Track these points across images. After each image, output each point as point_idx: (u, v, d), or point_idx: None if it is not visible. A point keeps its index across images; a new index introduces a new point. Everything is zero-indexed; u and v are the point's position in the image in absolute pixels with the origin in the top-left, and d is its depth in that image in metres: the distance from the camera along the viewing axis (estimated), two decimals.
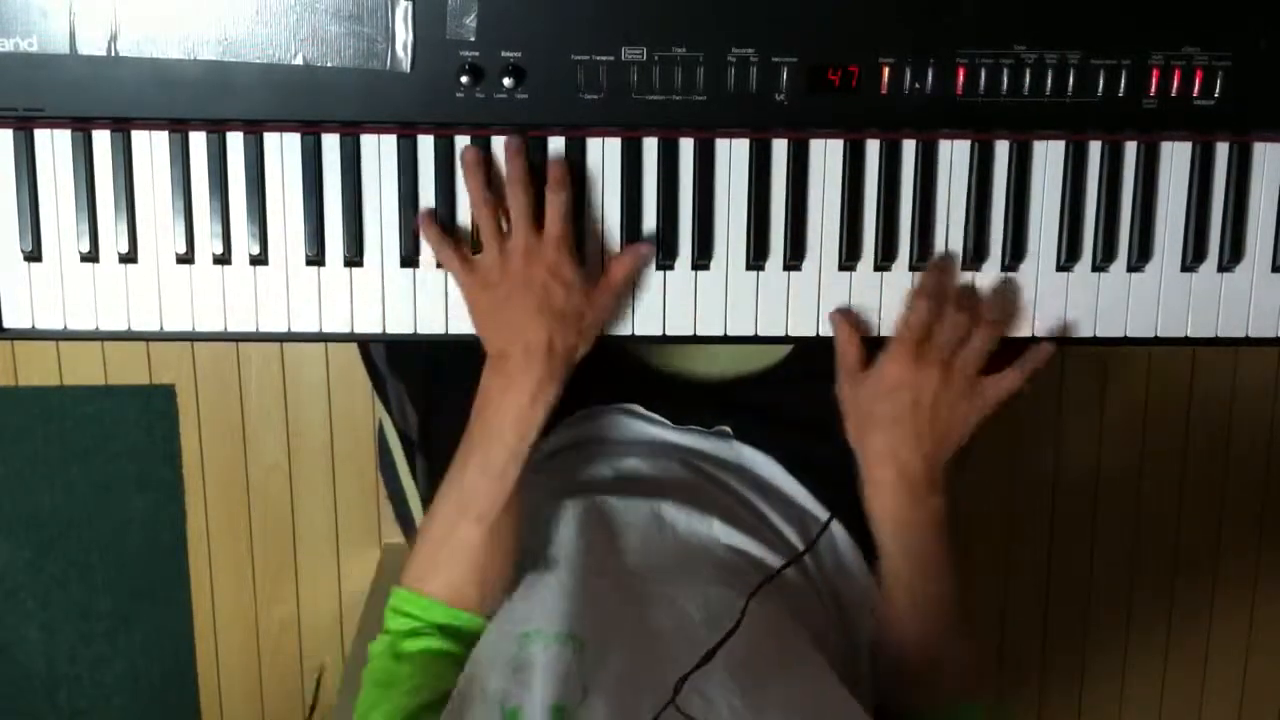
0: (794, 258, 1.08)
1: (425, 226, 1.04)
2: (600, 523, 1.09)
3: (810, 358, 1.22)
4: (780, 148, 1.07)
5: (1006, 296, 1.07)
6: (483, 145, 1.05)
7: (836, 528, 1.17)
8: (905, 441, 1.03)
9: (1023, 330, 1.09)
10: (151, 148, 1.04)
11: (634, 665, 0.93)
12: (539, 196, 1.02)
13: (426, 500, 1.36)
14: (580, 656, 0.93)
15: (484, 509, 1.03)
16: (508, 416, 1.02)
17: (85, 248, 1.05)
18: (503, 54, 1.01)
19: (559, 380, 1.03)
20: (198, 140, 1.04)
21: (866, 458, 1.06)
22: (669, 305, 1.08)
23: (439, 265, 1.06)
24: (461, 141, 1.05)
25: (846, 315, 1.07)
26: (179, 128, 1.04)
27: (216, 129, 1.04)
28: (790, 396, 1.25)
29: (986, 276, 1.09)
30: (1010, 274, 1.09)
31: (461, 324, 1.08)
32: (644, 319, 1.08)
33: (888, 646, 1.09)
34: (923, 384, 1.02)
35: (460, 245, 1.04)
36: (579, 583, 1.02)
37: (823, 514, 1.19)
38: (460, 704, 0.95)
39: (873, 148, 1.07)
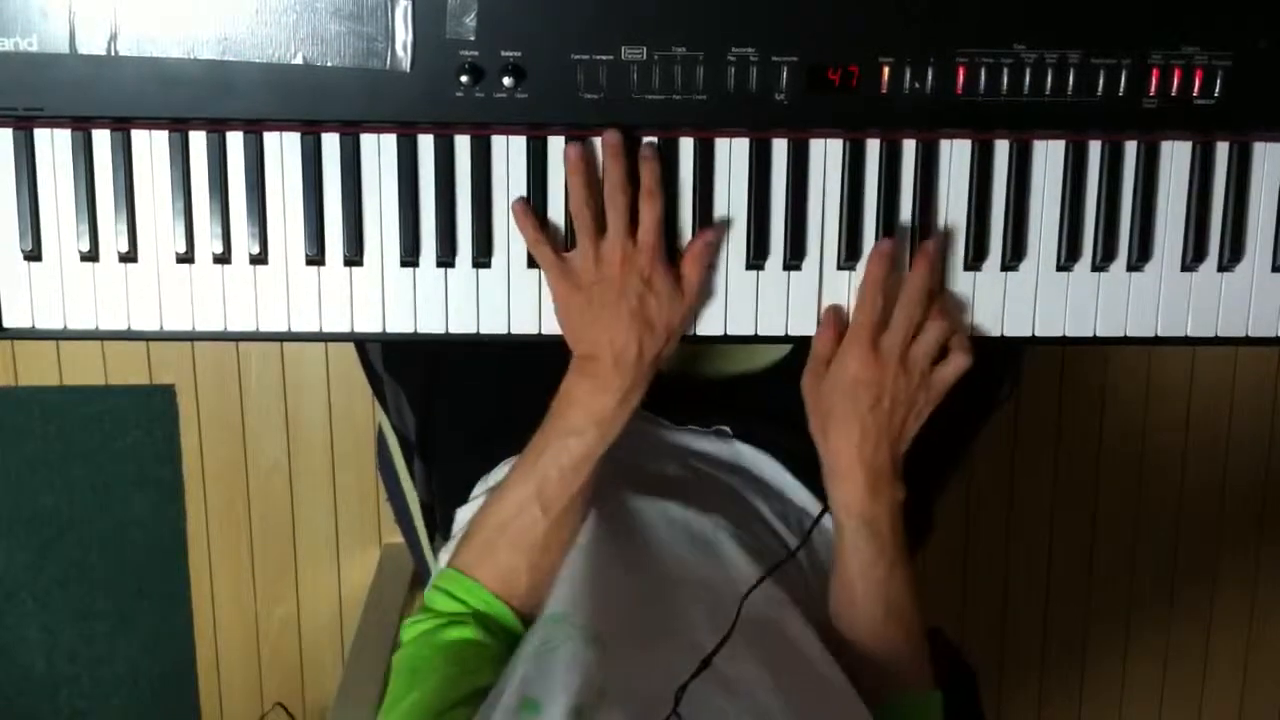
0: (794, 257, 1.08)
1: (521, 219, 1.04)
2: (616, 518, 1.10)
3: (803, 355, 1.22)
4: (780, 148, 1.07)
5: (954, 293, 1.07)
6: (482, 145, 1.05)
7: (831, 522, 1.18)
8: (867, 437, 1.05)
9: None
10: (151, 148, 1.04)
11: (647, 670, 0.94)
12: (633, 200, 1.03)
13: (425, 504, 1.36)
14: (600, 656, 0.94)
15: (553, 500, 1.04)
16: (593, 415, 1.03)
17: (85, 247, 1.05)
18: (503, 54, 1.01)
19: (646, 383, 1.04)
20: (198, 140, 1.04)
21: (829, 451, 1.07)
22: None
23: (530, 264, 1.06)
24: (462, 141, 1.05)
25: (836, 313, 1.07)
26: (179, 128, 1.04)
27: (216, 129, 1.04)
28: (789, 396, 1.24)
29: (986, 276, 1.09)
30: (1010, 274, 1.09)
31: (460, 324, 1.08)
32: None
33: (846, 642, 1.09)
34: (882, 380, 1.04)
35: (554, 241, 1.04)
36: (604, 576, 1.02)
37: (826, 521, 1.19)
38: (493, 695, 0.95)
39: (873, 148, 1.07)
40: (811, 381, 1.08)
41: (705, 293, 1.07)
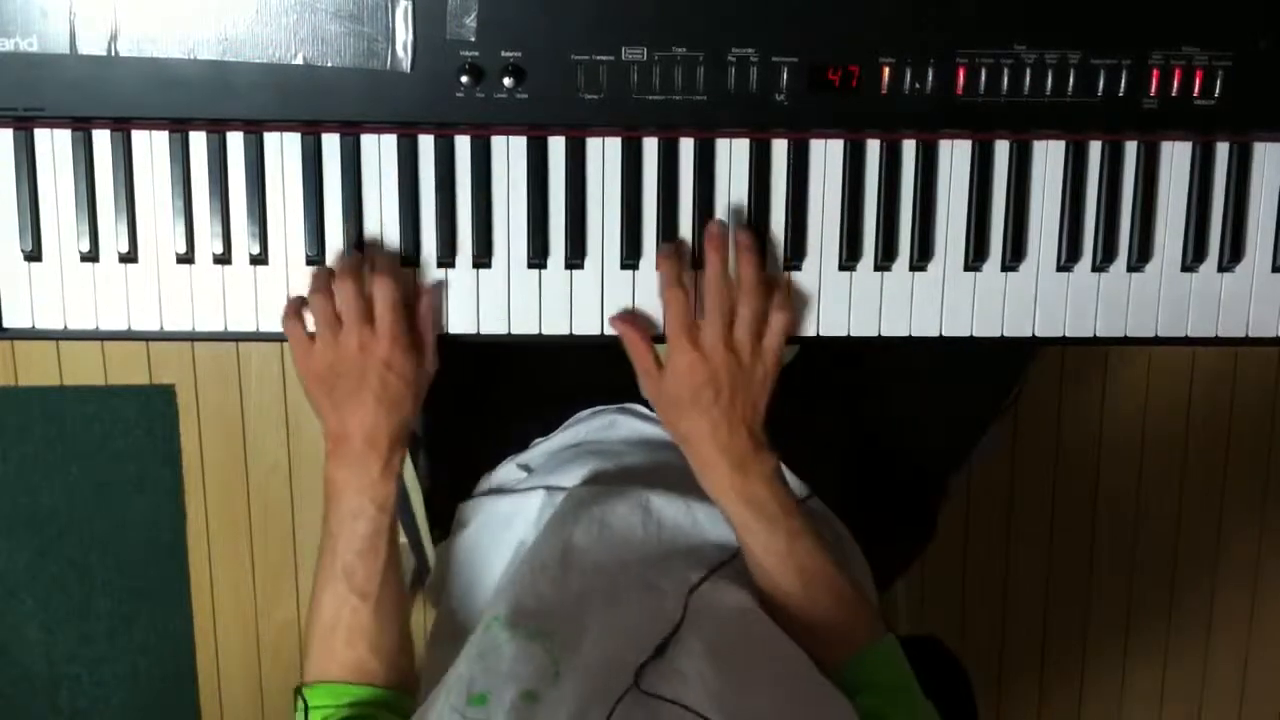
0: (794, 258, 1.08)
1: (294, 301, 1.05)
2: (588, 515, 1.10)
3: (806, 357, 1.22)
4: (780, 148, 1.07)
5: (754, 264, 1.05)
6: (482, 145, 1.05)
7: (818, 504, 1.18)
8: (719, 429, 1.05)
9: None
10: (151, 148, 1.04)
11: (604, 655, 0.94)
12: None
13: (429, 498, 1.37)
14: (550, 647, 0.94)
15: (365, 584, 1.05)
16: (365, 493, 1.05)
17: (85, 248, 1.05)
18: (503, 54, 1.01)
19: (402, 447, 1.06)
20: (198, 140, 1.04)
21: (689, 445, 1.07)
22: None
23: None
24: (462, 141, 1.05)
25: (629, 318, 1.07)
26: (179, 128, 1.04)
27: (216, 129, 1.04)
28: (790, 397, 1.25)
29: (986, 277, 1.09)
30: (1010, 274, 1.09)
31: (460, 323, 1.08)
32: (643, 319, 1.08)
33: (783, 619, 1.07)
34: (717, 374, 1.04)
35: (303, 329, 1.04)
36: (553, 578, 1.02)
37: (812, 503, 1.19)
38: (430, 696, 0.95)
39: (873, 148, 1.07)
40: (651, 390, 1.08)
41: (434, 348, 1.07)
